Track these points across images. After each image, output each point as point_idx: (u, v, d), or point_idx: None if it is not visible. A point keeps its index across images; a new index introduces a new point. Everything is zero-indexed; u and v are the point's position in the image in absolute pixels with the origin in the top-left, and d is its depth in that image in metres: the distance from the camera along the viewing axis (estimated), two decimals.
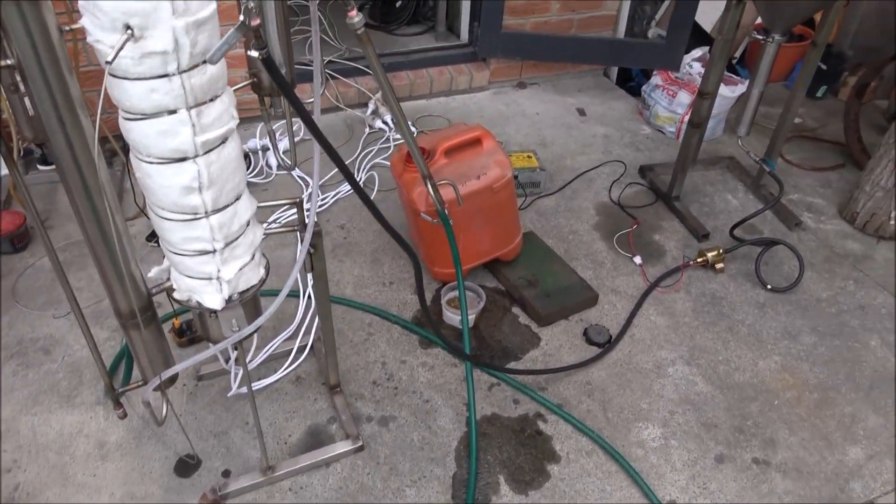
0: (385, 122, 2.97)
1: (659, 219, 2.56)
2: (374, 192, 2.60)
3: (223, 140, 1.19)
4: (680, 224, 2.53)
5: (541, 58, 3.36)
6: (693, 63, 3.11)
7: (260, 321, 1.36)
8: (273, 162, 2.66)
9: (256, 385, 1.84)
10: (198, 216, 1.23)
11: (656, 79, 3.17)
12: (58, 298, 2.06)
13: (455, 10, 3.43)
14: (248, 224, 1.34)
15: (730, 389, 1.93)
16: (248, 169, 2.70)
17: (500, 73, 3.38)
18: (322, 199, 2.52)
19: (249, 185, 2.59)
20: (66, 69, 0.98)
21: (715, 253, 2.29)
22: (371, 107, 3.04)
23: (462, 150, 2.01)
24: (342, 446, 1.71)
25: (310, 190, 2.54)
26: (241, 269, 1.36)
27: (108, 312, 2.05)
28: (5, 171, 2.38)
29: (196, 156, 1.15)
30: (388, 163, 2.72)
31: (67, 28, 0.99)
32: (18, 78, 0.98)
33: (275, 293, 2.12)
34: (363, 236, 2.38)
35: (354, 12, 1.34)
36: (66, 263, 2.20)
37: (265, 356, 1.90)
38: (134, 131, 1.12)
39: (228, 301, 1.38)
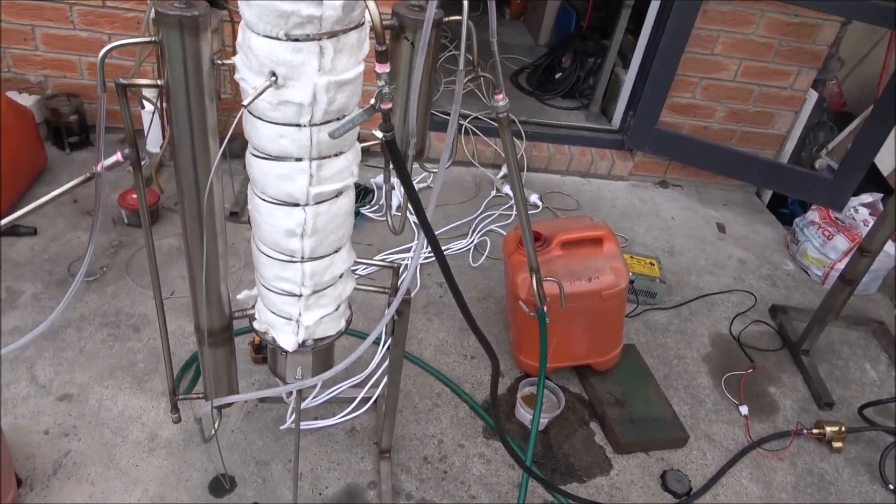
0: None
1: (780, 370, 2.29)
2: (483, 258, 2.53)
3: (337, 194, 1.17)
4: (803, 383, 2.24)
5: (691, 162, 3.18)
6: (860, 207, 2.81)
7: (325, 376, 1.32)
8: (395, 202, 2.68)
9: (310, 425, 1.80)
10: (294, 260, 1.22)
11: (813, 214, 2.90)
12: (165, 281, 2.14)
13: (613, 93, 3.34)
14: (340, 276, 1.31)
15: None
16: (371, 202, 2.74)
17: (644, 167, 3.24)
18: (429, 252, 2.48)
19: (368, 219, 2.63)
20: (208, 98, 1.00)
21: (836, 429, 2.00)
22: (503, 170, 3.00)
23: (580, 246, 1.90)
24: None
25: (408, 259, 2.50)
26: (322, 317, 1.33)
27: None
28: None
29: (307, 204, 1.13)
30: (505, 232, 2.66)
31: (219, 62, 1.01)
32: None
33: (356, 334, 2.12)
34: None
35: (501, 95, 1.29)
36: (180, 250, 2.31)
37: (328, 396, 1.86)
38: (255, 167, 1.12)
39: (302, 345, 1.35)
